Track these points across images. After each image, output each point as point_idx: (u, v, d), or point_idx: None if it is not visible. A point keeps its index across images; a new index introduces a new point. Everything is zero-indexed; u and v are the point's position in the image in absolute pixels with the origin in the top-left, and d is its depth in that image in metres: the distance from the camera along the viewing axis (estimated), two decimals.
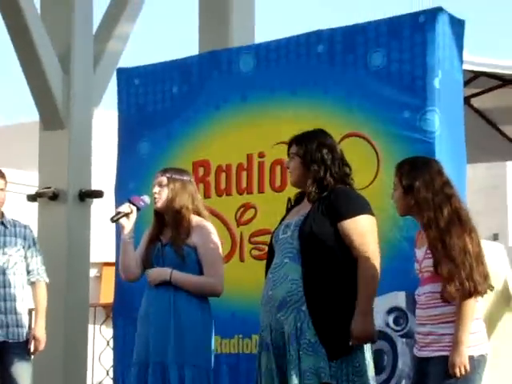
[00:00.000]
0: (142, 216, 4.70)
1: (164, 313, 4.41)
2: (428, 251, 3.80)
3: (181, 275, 4.44)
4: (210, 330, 4.50)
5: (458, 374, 3.66)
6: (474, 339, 3.72)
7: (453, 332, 3.70)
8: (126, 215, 4.55)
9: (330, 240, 3.98)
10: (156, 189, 4.54)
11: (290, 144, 4.24)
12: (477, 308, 3.76)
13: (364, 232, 3.98)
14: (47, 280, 5.22)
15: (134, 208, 4.58)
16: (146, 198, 4.64)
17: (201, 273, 4.49)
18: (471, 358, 3.69)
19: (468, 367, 3.67)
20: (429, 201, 3.77)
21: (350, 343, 3.90)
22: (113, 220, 4.58)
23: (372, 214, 4.06)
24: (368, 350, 4.02)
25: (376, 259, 3.97)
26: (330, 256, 3.97)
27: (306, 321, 3.92)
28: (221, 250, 4.61)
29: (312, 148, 4.12)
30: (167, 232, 4.55)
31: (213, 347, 4.52)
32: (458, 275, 3.67)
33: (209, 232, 4.52)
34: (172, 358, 4.34)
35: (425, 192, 3.79)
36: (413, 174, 3.84)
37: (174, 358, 4.34)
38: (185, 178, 4.59)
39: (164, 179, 4.55)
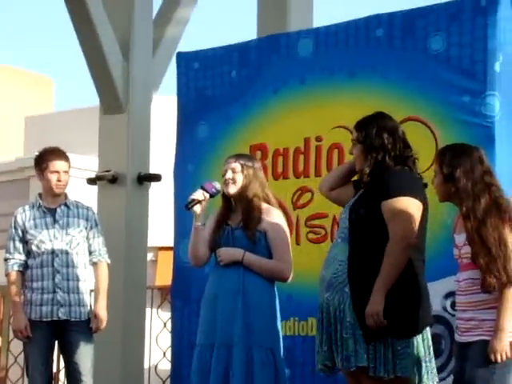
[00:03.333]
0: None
1: (232, 294, 4.45)
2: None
3: (254, 257, 4.48)
4: (276, 313, 4.54)
5: (499, 360, 3.67)
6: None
7: (494, 318, 3.70)
8: (200, 202, 4.58)
9: (377, 221, 3.97)
10: (229, 174, 4.56)
11: (353, 130, 4.24)
12: None
13: (397, 213, 3.94)
14: (109, 261, 5.29)
15: (207, 195, 4.61)
16: (217, 185, 4.66)
17: (269, 257, 4.53)
18: (511, 344, 3.68)
19: (509, 354, 3.66)
20: (468, 190, 3.76)
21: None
22: (187, 207, 4.61)
23: (418, 197, 3.99)
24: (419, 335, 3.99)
25: (402, 245, 3.90)
26: (375, 237, 3.97)
27: (348, 302, 3.94)
28: (289, 237, 4.64)
29: (372, 133, 4.11)
30: (235, 216, 4.58)
31: (280, 330, 4.55)
32: (494, 266, 3.66)
33: (279, 218, 4.56)
34: (240, 340, 4.38)
35: (464, 181, 3.77)
36: (453, 162, 3.82)
37: (242, 340, 4.38)
38: (256, 165, 4.63)
39: (238, 166, 4.57)
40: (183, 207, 4.66)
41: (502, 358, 3.68)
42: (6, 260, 5.16)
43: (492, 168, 3.88)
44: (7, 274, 5.15)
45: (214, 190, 4.62)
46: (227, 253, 4.49)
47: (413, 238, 3.96)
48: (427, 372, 4.02)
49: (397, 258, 3.91)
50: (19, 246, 5.16)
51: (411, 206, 3.98)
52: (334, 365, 4.03)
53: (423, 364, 4.00)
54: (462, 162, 3.80)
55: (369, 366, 3.89)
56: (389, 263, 3.90)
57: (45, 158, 5.25)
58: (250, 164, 4.59)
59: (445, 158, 3.86)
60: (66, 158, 5.29)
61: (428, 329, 4.07)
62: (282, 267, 4.51)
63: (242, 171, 4.55)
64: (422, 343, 4.01)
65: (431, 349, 4.06)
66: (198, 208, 4.57)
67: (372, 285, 3.91)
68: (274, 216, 4.55)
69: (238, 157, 4.64)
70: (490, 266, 3.68)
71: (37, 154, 5.37)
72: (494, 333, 3.69)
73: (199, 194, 4.59)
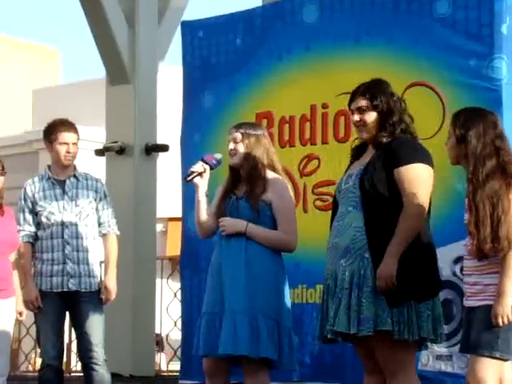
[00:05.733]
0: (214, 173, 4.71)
1: (236, 263, 4.44)
2: None
3: (256, 228, 4.45)
4: (282, 282, 4.52)
5: (501, 324, 3.67)
6: None
7: (497, 282, 3.69)
8: (200, 174, 4.56)
9: (391, 187, 3.97)
10: (231, 145, 4.53)
11: (353, 98, 4.14)
12: None
13: (414, 180, 3.95)
14: (118, 232, 5.30)
15: (207, 167, 4.59)
16: (219, 156, 4.64)
17: (274, 228, 4.51)
18: None
19: (511, 317, 3.66)
20: (476, 153, 3.75)
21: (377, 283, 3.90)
22: (186, 180, 4.60)
23: (429, 164, 4.01)
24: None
25: (419, 210, 3.93)
26: (391, 204, 3.97)
27: (369, 268, 3.94)
28: (294, 206, 4.62)
29: (387, 98, 4.08)
30: (242, 186, 4.56)
31: (288, 299, 4.54)
32: (484, 234, 3.65)
33: (284, 189, 4.52)
34: (244, 308, 4.38)
35: (475, 143, 3.76)
36: (467, 124, 3.81)
37: (246, 308, 4.38)
38: (258, 132, 4.57)
39: (238, 135, 4.53)
40: (183, 179, 4.64)
41: (503, 322, 3.68)
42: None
43: (505, 134, 3.86)
44: (18, 248, 5.16)
45: (214, 161, 4.61)
46: (230, 223, 4.48)
47: (427, 204, 3.97)
48: (442, 332, 4.04)
49: (413, 223, 3.92)
50: (29, 217, 5.18)
51: (426, 173, 3.99)
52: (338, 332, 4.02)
53: (440, 324, 4.02)
54: (476, 125, 3.79)
55: (393, 329, 3.89)
56: (405, 227, 3.91)
57: (54, 130, 5.24)
58: (251, 132, 4.55)
59: (459, 120, 3.85)
60: (75, 130, 5.28)
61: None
62: (287, 238, 4.49)
63: (243, 141, 4.52)
64: (439, 304, 4.04)
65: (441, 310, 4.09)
66: (198, 180, 4.56)
67: None
68: (279, 186, 4.52)
69: (240, 126, 4.60)
70: (479, 235, 3.68)
71: (46, 125, 5.37)
72: (496, 297, 3.69)
73: (199, 167, 4.58)
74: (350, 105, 4.16)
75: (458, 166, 4.16)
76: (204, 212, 4.58)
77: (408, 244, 3.92)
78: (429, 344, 4.07)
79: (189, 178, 4.58)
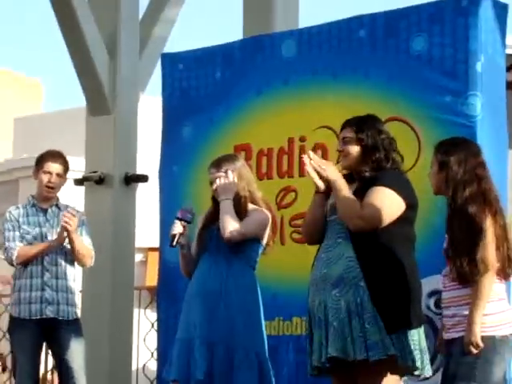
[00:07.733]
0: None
1: (215, 293, 4.47)
2: None
3: (229, 208, 4.46)
4: (260, 314, 4.56)
5: (474, 352, 3.66)
6: (495, 319, 3.73)
7: None
8: (182, 234, 4.60)
9: None
10: (215, 186, 4.58)
11: (343, 127, 4.25)
12: (497, 288, 3.75)
13: (380, 196, 4.02)
14: (93, 253, 5.32)
15: (185, 223, 4.63)
16: (190, 208, 4.70)
17: (255, 260, 4.60)
18: (492, 338, 3.70)
19: (481, 345, 3.66)
20: (457, 178, 3.80)
21: None
22: (172, 246, 4.62)
23: (401, 195, 4.06)
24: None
25: (359, 217, 4.00)
26: (378, 232, 4.03)
27: (366, 295, 3.99)
28: (267, 229, 4.63)
29: (373, 134, 4.16)
30: None
31: (264, 331, 4.56)
32: (462, 256, 3.68)
33: (262, 212, 4.59)
34: (221, 340, 4.41)
35: (456, 169, 3.81)
36: (449, 151, 3.88)
37: (224, 340, 4.40)
38: (237, 164, 4.63)
39: (221, 175, 4.58)
40: (169, 246, 4.67)
41: (476, 351, 3.67)
42: (6, 249, 5.18)
43: (486, 164, 3.91)
44: (17, 256, 5.14)
45: (189, 215, 4.65)
46: (223, 189, 4.49)
47: (384, 217, 4.01)
48: (427, 361, 4.07)
49: (350, 213, 4.02)
50: (18, 234, 5.21)
51: (394, 199, 4.04)
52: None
53: (426, 355, 4.06)
54: (457, 152, 3.85)
55: (396, 354, 3.92)
56: (342, 198, 4.03)
57: (42, 159, 5.38)
58: (231, 167, 4.60)
59: (441, 148, 3.92)
60: (62, 162, 5.37)
61: None
62: (240, 229, 4.47)
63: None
64: (424, 335, 4.08)
65: None
66: (182, 239, 4.60)
67: (386, 277, 3.99)
68: (259, 211, 4.58)
69: (219, 165, 4.63)
70: (454, 257, 3.71)
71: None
72: (467, 326, 3.70)
73: (178, 227, 4.60)
74: (340, 132, 4.28)
75: (435, 198, 4.22)
76: (189, 260, 4.63)
77: (399, 272, 4.00)
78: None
79: (174, 244, 4.60)
